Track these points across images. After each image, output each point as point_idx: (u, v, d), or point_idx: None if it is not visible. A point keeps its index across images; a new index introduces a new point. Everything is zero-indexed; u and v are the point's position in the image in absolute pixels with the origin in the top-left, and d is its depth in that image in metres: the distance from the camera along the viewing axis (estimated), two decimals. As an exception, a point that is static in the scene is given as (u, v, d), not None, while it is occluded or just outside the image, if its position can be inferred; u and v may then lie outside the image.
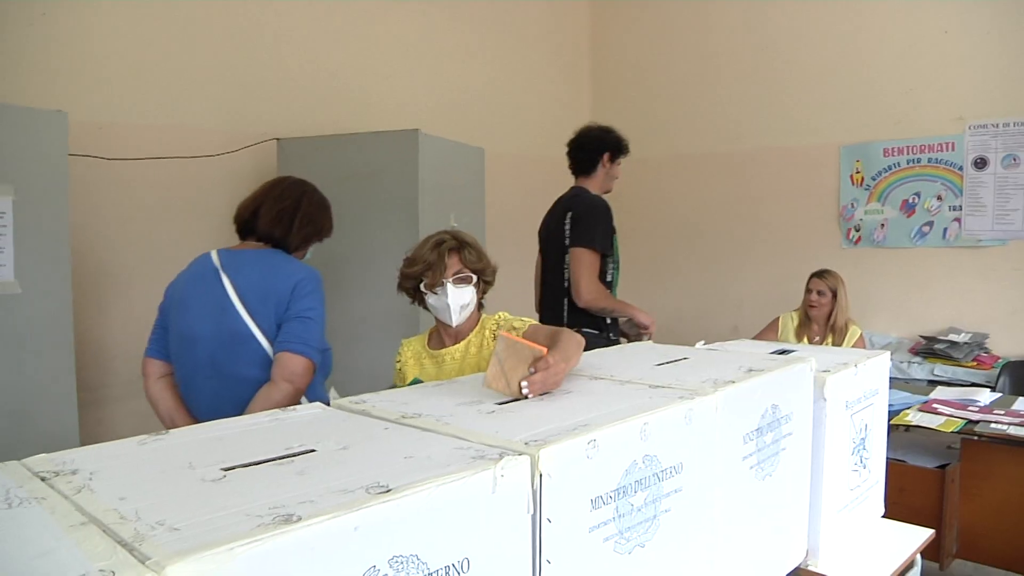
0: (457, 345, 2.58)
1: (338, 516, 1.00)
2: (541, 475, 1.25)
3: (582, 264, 3.84)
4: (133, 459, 1.25)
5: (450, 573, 1.12)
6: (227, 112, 4.63)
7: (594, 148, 4.08)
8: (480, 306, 2.65)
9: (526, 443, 1.29)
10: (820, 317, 4.99)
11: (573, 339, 2.04)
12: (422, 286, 2.51)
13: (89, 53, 4.13)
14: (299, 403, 2.44)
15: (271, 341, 2.63)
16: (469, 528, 1.14)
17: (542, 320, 4.09)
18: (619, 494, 1.42)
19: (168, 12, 4.40)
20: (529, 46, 6.75)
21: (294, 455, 1.25)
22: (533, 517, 1.25)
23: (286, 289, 2.64)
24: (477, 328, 2.60)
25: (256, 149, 4.61)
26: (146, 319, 2.73)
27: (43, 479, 1.15)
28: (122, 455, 1.27)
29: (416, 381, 2.48)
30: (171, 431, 1.41)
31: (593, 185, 4.08)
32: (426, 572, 1.08)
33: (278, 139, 4.49)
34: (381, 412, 1.53)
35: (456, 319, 2.51)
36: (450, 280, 2.48)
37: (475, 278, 2.52)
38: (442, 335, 2.64)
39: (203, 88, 4.54)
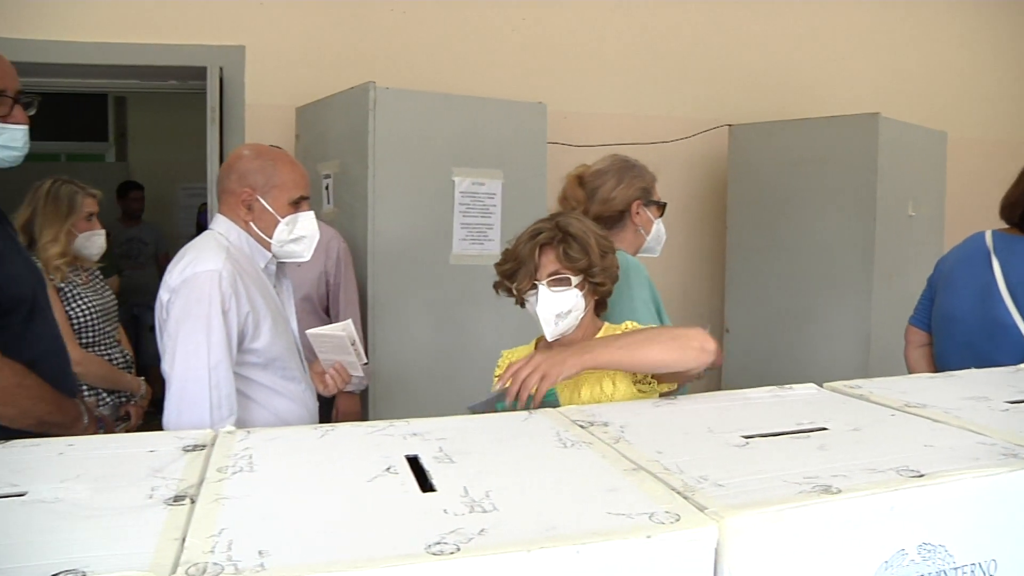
0: None
1: (875, 493, 1.00)
2: (1079, 483, 1.14)
3: None
4: (653, 418, 1.35)
5: (975, 572, 1.06)
6: (681, 100, 4.76)
7: None
8: (600, 310, 2.07)
9: (1060, 446, 1.19)
10: None
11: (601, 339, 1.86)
12: (514, 290, 1.97)
13: (561, 50, 4.49)
14: None
15: None
16: (999, 528, 1.08)
17: None
18: None
19: (628, 10, 4.63)
20: (995, 20, 6.11)
21: (808, 431, 1.26)
22: (1068, 529, 1.14)
23: None
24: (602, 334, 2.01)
25: (708, 135, 4.69)
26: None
27: (582, 427, 1.28)
28: (642, 413, 1.38)
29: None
30: (680, 398, 1.49)
31: None
32: (952, 566, 1.04)
33: (730, 125, 4.53)
34: (881, 399, 1.50)
35: (552, 331, 1.92)
36: (544, 282, 1.91)
37: (577, 279, 1.92)
38: (550, 347, 2.00)
39: (660, 78, 4.71)
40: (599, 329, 2.01)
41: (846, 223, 4.01)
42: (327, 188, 3.43)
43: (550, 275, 1.91)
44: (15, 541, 0.88)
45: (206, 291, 1.97)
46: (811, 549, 0.96)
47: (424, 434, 1.23)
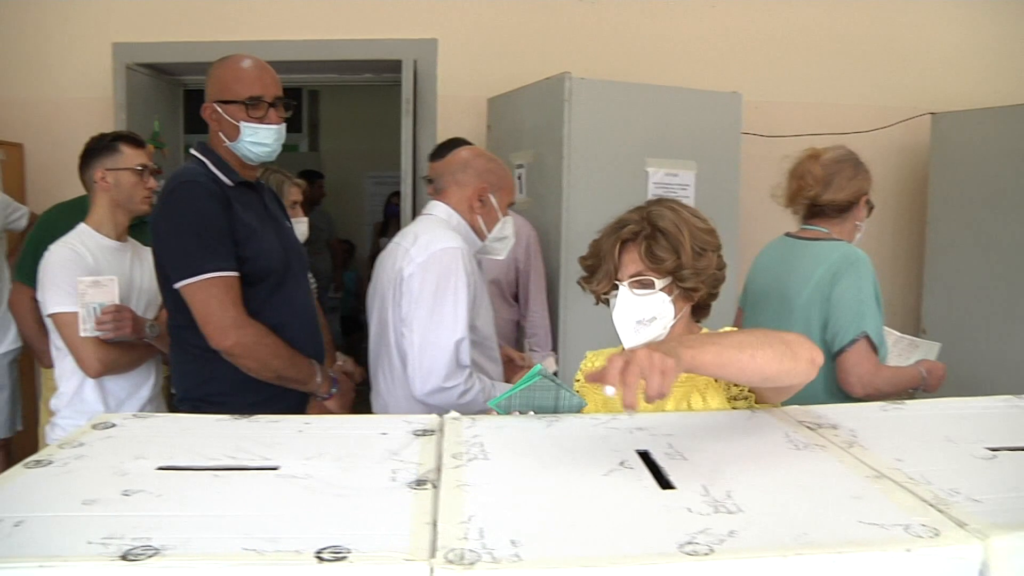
0: None
1: None
2: None
3: None
4: (883, 423, 1.29)
5: None
6: (879, 87, 4.53)
7: None
8: (700, 316, 1.76)
9: None
10: None
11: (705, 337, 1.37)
12: (591, 289, 1.72)
13: (754, 37, 4.36)
14: None
15: None
16: None
17: None
18: None
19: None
20: None
21: (1060, 446, 1.17)
22: None
23: None
24: None
25: (908, 124, 4.44)
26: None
27: (810, 428, 1.23)
28: (870, 418, 1.32)
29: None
30: (906, 403, 1.42)
31: None
32: None
33: (932, 113, 4.28)
34: None
35: (630, 341, 1.63)
36: (625, 283, 1.64)
37: (662, 282, 1.63)
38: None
39: (856, 64, 4.49)
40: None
41: (1068, 219, 3.70)
42: (519, 178, 3.48)
43: (632, 276, 1.64)
44: (279, 512, 0.93)
45: (453, 266, 2.15)
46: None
47: (649, 429, 1.22)
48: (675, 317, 1.64)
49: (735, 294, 2.97)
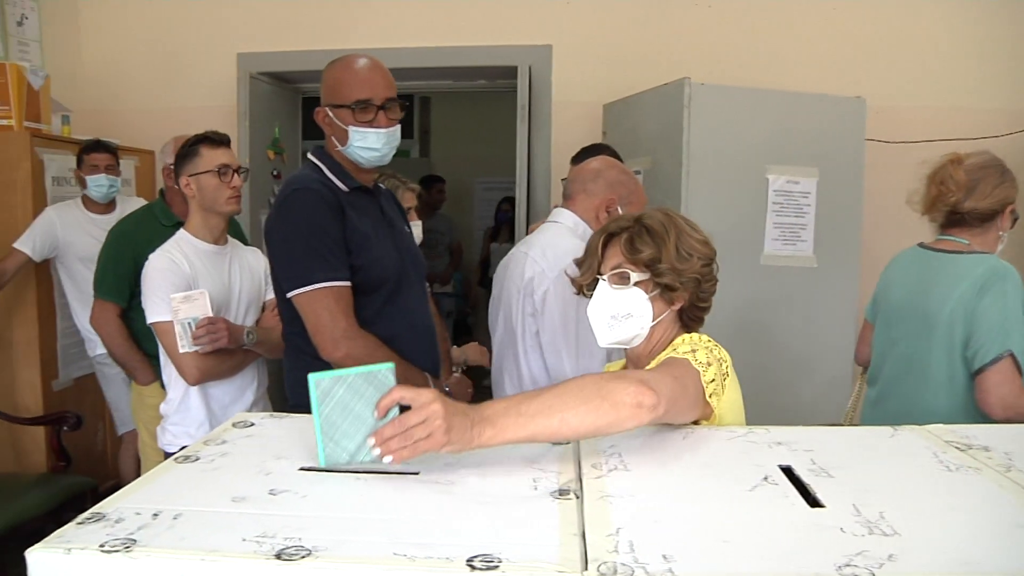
0: None
1: None
2: None
3: None
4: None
5: None
6: (1010, 90, 4.31)
7: None
8: (694, 326, 1.70)
9: None
10: None
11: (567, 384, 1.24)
12: (576, 284, 1.73)
13: (877, 39, 4.20)
14: None
15: None
16: None
17: None
18: None
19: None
20: None
21: None
22: None
23: None
24: (666, 353, 1.58)
25: (1048, 128, 4.25)
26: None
27: (959, 449, 1.18)
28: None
29: None
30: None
31: None
32: None
33: (1072, 117, 4.07)
34: None
35: (605, 337, 1.64)
36: (605, 277, 1.63)
37: (638, 276, 1.60)
38: (627, 362, 1.78)
39: (989, 65, 4.26)
40: (677, 338, 1.63)
41: None
42: (635, 184, 3.45)
43: (612, 269, 1.63)
44: (424, 518, 0.94)
45: None
46: None
47: (789, 443, 1.19)
48: (653, 319, 1.62)
49: (860, 306, 2.88)
